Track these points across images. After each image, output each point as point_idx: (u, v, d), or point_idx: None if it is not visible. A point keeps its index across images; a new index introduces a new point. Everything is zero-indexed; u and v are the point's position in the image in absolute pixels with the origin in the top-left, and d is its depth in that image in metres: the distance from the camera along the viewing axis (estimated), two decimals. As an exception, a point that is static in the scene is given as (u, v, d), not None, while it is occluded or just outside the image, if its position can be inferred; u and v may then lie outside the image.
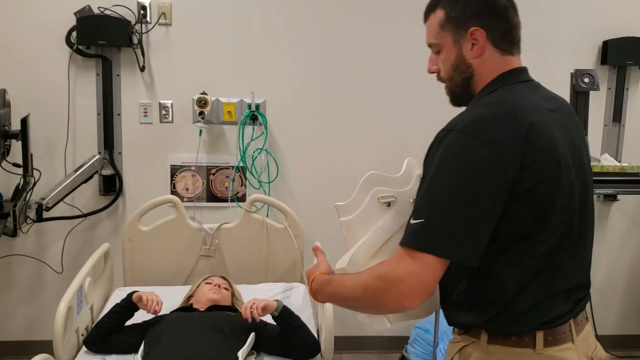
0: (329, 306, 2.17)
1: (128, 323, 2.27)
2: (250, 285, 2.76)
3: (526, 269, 1.28)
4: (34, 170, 2.95)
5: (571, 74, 2.96)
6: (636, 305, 3.58)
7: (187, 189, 3.25)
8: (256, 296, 2.28)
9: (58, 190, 2.95)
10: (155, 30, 3.09)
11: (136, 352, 2.17)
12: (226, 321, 2.22)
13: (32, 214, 2.93)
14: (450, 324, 1.45)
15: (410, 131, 3.23)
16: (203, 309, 2.38)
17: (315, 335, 2.29)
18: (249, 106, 3.13)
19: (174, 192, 3.23)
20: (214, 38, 3.14)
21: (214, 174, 3.25)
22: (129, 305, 2.24)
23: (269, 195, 3.13)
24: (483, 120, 1.25)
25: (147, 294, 2.24)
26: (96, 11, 3.01)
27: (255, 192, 3.21)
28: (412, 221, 1.24)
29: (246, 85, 3.15)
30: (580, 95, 2.94)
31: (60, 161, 3.13)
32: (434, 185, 1.23)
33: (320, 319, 2.29)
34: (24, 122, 2.76)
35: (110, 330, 2.23)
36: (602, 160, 3.07)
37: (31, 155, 2.86)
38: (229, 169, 3.25)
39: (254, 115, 3.14)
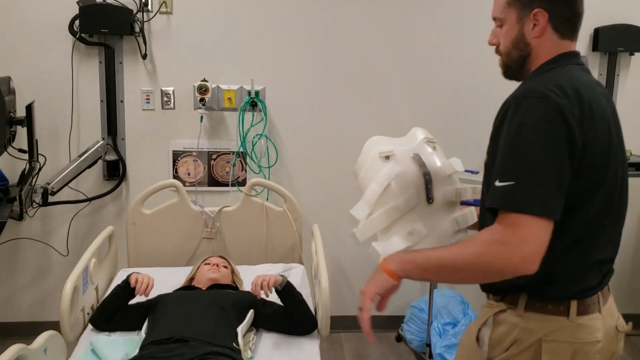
0: (325, 285, 2.23)
1: (132, 302, 2.31)
2: (250, 266, 2.81)
3: (569, 237, 1.34)
4: (39, 156, 2.99)
5: (563, 60, 3.00)
6: None
7: (189, 174, 3.31)
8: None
9: (63, 175, 2.99)
10: (156, 18, 3.12)
11: (140, 329, 2.23)
12: (226, 298, 2.28)
13: (37, 198, 2.96)
14: (486, 289, 1.50)
15: (410, 118, 3.25)
16: (204, 289, 2.44)
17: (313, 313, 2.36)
18: (249, 93, 3.18)
19: (176, 176, 3.28)
20: (214, 26, 3.17)
21: (215, 159, 3.31)
22: (127, 286, 2.27)
23: (268, 180, 3.17)
24: (554, 90, 1.28)
25: (140, 276, 2.26)
26: (98, 0, 3.04)
27: (255, 176, 3.25)
28: (499, 183, 1.26)
29: (246, 73, 3.19)
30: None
31: (64, 147, 3.18)
32: (517, 148, 1.26)
33: (318, 298, 2.36)
34: (29, 108, 2.79)
35: (115, 309, 2.28)
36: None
37: (36, 141, 2.88)
38: (229, 154, 3.30)
39: (254, 102, 3.18)
